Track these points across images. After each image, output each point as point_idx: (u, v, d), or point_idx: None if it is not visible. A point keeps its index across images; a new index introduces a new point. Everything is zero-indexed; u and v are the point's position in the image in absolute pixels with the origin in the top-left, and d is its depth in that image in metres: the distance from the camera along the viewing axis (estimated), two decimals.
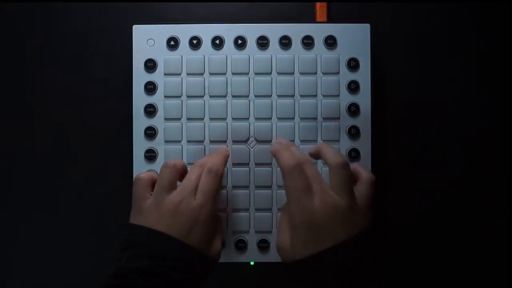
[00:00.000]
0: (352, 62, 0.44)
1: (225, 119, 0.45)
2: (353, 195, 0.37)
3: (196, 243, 0.37)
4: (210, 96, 0.45)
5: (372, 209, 0.38)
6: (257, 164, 0.44)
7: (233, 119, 0.44)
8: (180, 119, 0.45)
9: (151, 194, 0.39)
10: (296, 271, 0.37)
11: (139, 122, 0.45)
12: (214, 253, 0.39)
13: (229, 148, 0.44)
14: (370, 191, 0.38)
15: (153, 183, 0.40)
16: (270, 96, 0.45)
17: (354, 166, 0.40)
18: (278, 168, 0.44)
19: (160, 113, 0.45)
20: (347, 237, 0.35)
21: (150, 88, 0.45)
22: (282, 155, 0.38)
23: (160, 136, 0.45)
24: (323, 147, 0.39)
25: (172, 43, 0.45)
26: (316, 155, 0.40)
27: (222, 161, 0.41)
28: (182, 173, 0.40)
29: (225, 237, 0.44)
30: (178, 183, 0.40)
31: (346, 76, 0.45)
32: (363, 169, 0.40)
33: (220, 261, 0.44)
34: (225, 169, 0.44)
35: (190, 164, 0.44)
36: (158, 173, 0.40)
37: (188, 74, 0.45)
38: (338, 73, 0.45)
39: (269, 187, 0.44)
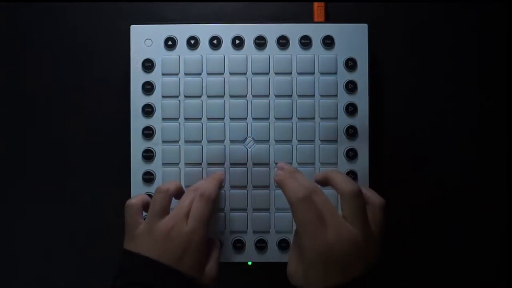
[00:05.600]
0: (350, 62, 0.44)
1: (222, 119, 0.44)
2: (368, 224, 0.35)
3: (188, 269, 0.36)
4: (208, 96, 0.45)
5: (384, 236, 0.37)
6: (255, 164, 0.44)
7: (231, 119, 0.44)
8: (177, 119, 0.45)
9: (144, 219, 0.39)
10: None
11: (137, 122, 0.45)
12: (208, 279, 0.38)
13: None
14: (382, 217, 0.37)
15: (144, 207, 0.40)
16: (268, 96, 0.45)
17: (363, 190, 0.37)
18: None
19: (157, 113, 0.45)
20: (364, 269, 0.34)
21: (148, 88, 0.45)
22: (288, 186, 0.36)
23: (157, 136, 0.45)
24: (332, 174, 0.37)
25: (169, 43, 0.45)
26: (324, 182, 0.38)
27: (215, 186, 0.40)
28: (177, 194, 0.40)
29: (220, 260, 0.42)
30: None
31: (344, 76, 0.45)
32: (373, 192, 0.38)
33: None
34: (223, 191, 0.44)
35: (188, 164, 0.44)
36: (152, 195, 0.39)
37: (185, 74, 0.45)
38: (336, 73, 0.45)
39: (266, 187, 0.44)
